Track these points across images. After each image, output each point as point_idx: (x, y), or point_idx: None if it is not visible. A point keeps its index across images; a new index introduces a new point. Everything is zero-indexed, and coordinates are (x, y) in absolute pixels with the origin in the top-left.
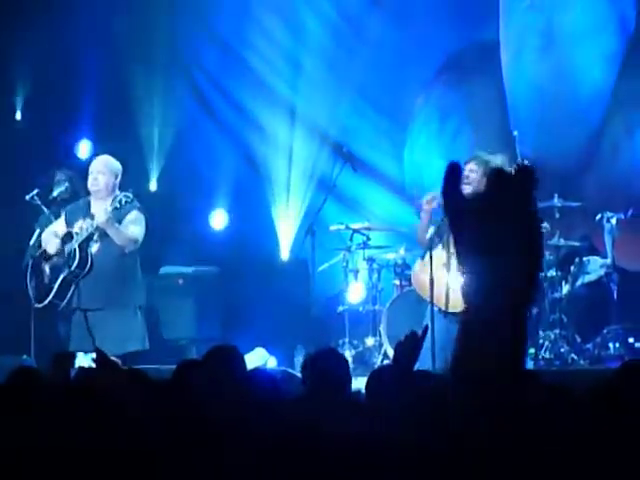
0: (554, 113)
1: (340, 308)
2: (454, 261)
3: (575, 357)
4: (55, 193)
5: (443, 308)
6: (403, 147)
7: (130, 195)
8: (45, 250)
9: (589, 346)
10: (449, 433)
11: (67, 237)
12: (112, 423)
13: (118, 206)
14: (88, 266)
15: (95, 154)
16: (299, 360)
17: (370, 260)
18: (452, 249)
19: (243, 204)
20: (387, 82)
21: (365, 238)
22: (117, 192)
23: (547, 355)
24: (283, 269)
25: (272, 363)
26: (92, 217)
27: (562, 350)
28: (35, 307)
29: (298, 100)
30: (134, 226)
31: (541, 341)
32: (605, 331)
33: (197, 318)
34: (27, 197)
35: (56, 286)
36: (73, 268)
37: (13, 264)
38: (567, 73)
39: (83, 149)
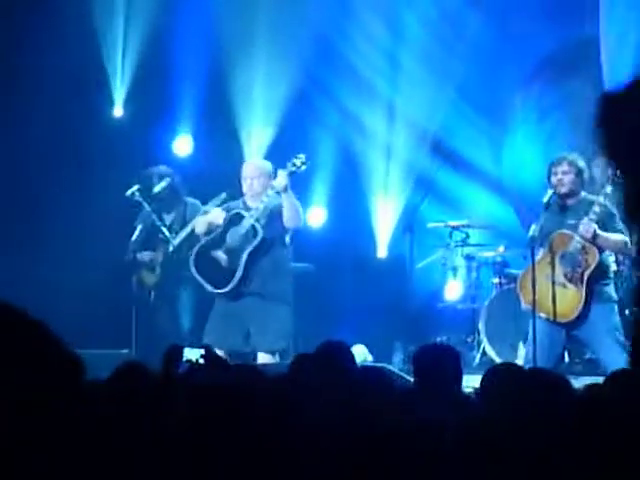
0: None
1: (439, 305)
2: (557, 272)
3: None
4: (157, 189)
5: (550, 317)
6: (501, 145)
7: (303, 156)
8: (212, 239)
9: None
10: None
11: (235, 218)
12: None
13: (294, 169)
14: (269, 237)
15: (194, 152)
16: (398, 357)
17: (469, 258)
18: (557, 260)
19: (341, 201)
20: (486, 80)
21: (464, 235)
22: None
23: None
24: (381, 266)
25: (369, 356)
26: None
27: None
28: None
29: (397, 97)
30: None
31: None
32: None
33: (296, 314)
34: (127, 193)
35: (242, 263)
36: (258, 243)
37: (111, 258)
38: None
39: (181, 146)
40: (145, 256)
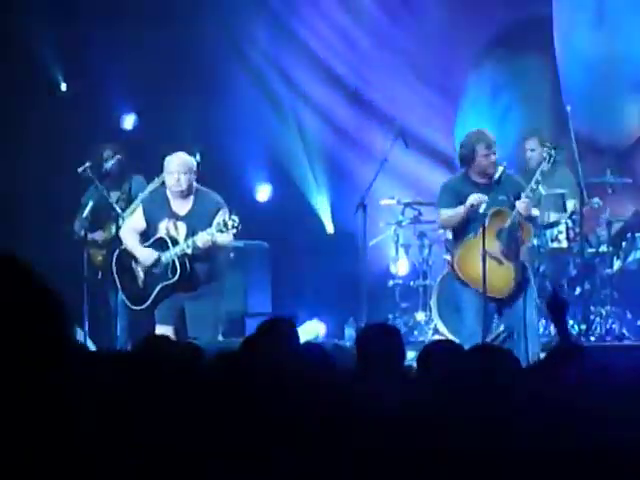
0: (606, 89)
1: (391, 282)
2: (494, 248)
3: (626, 333)
4: (108, 166)
5: (480, 290)
6: (454, 123)
7: (237, 219)
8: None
9: None
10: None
11: (160, 243)
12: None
13: (223, 230)
14: (187, 275)
15: (139, 126)
16: (350, 332)
17: (421, 235)
18: (493, 236)
19: (290, 177)
20: (438, 58)
21: (416, 213)
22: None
23: (598, 331)
24: (333, 243)
25: (322, 331)
26: (177, 217)
27: (613, 326)
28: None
29: (352, 76)
30: (226, 237)
31: (592, 317)
32: None
33: (248, 291)
34: (79, 170)
35: (154, 294)
36: (174, 281)
37: (62, 235)
38: (619, 48)
39: (127, 122)
40: (96, 236)
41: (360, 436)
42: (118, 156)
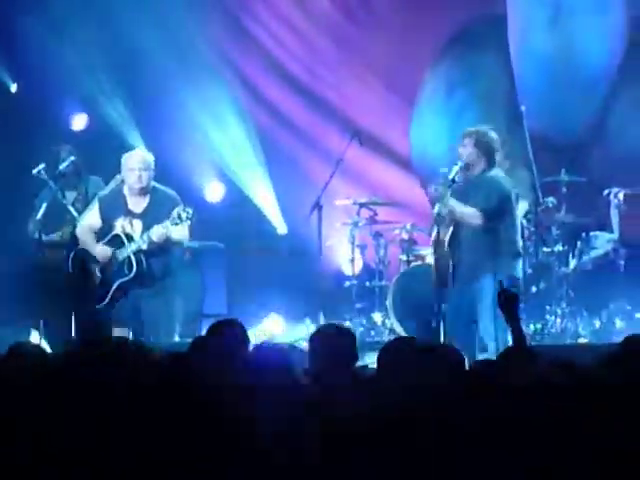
0: (561, 87)
1: (347, 283)
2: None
3: (582, 332)
4: (62, 167)
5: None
6: (411, 122)
7: (191, 211)
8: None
9: (595, 321)
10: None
11: (116, 240)
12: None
13: (178, 222)
14: (143, 271)
15: (89, 125)
16: (306, 333)
17: (377, 235)
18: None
19: (243, 178)
20: (394, 56)
21: (372, 213)
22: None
23: (554, 330)
24: (288, 243)
25: (280, 327)
26: (132, 215)
27: (569, 325)
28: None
29: (305, 73)
30: (181, 232)
31: (548, 316)
32: (611, 306)
33: (204, 292)
34: (34, 172)
35: (111, 292)
36: (130, 277)
37: (17, 237)
38: (574, 47)
39: (78, 121)
40: (54, 237)
41: (313, 438)
42: (72, 157)
